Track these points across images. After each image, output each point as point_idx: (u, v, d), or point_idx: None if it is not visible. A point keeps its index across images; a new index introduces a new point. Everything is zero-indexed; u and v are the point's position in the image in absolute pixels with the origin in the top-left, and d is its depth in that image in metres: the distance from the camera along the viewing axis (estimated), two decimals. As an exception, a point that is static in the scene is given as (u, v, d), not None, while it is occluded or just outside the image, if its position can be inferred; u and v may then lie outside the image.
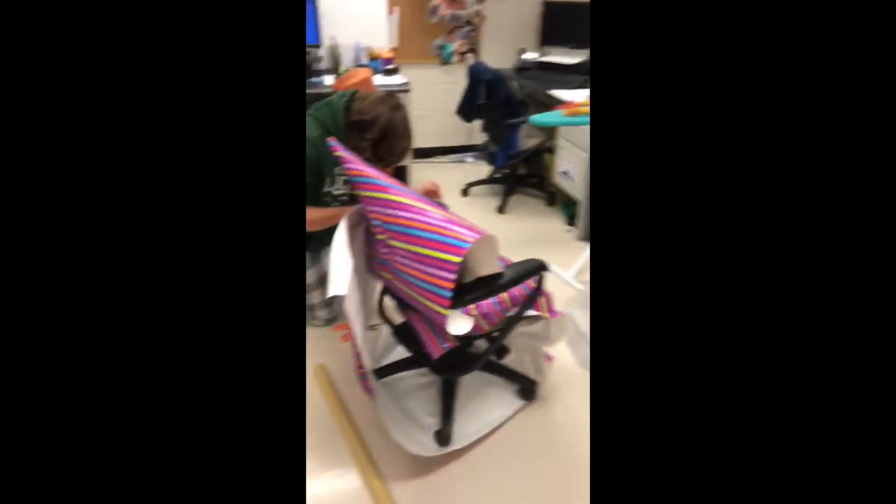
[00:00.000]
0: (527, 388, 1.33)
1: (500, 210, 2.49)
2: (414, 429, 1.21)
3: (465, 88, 2.40)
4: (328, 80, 2.41)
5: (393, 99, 1.33)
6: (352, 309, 0.96)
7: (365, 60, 2.63)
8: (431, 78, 2.95)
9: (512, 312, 1.13)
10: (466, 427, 1.23)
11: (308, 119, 1.34)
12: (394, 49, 2.74)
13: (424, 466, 1.14)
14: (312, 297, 1.56)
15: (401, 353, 1.46)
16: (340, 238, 0.98)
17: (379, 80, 2.47)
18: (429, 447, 1.16)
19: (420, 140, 2.94)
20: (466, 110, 2.47)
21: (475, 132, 3.04)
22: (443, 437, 1.17)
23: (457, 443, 1.18)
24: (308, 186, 1.35)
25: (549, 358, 1.39)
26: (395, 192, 0.92)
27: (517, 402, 1.31)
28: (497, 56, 2.93)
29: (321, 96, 1.43)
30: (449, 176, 2.90)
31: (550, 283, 1.52)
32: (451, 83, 2.91)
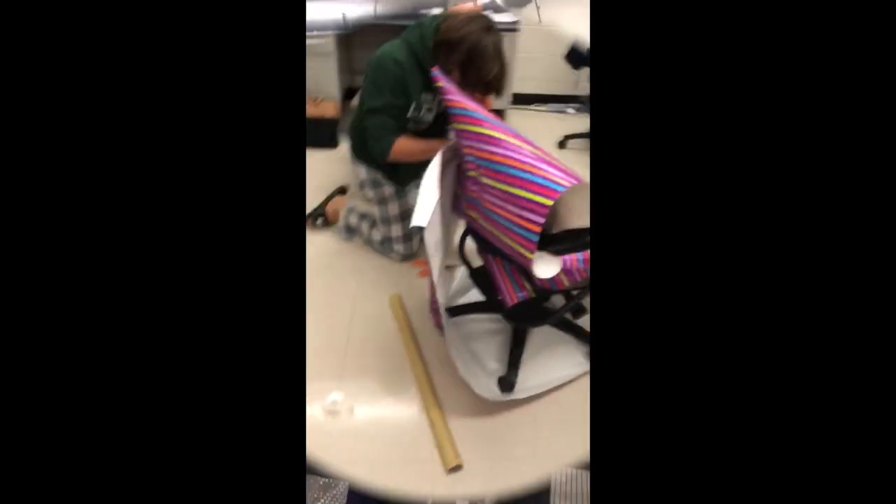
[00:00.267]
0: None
1: (597, 167, 2.36)
2: (479, 370, 1.23)
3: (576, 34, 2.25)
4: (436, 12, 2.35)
5: (484, 19, 1.21)
6: (432, 244, 0.95)
7: (475, -5, 2.52)
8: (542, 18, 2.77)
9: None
10: (530, 379, 1.22)
11: (398, 42, 1.29)
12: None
13: (484, 408, 1.16)
14: (393, 231, 1.59)
15: (475, 296, 1.46)
16: (433, 172, 0.97)
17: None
18: (492, 391, 1.17)
19: (520, 84, 2.81)
20: (576, 57, 2.31)
21: (582, 82, 2.86)
22: (506, 383, 1.17)
23: (519, 393, 1.18)
24: (393, 109, 1.31)
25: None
26: (490, 127, 0.88)
27: (585, 365, 1.28)
28: None
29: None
30: (547, 125, 2.77)
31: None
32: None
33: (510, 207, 0.87)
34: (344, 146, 2.22)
